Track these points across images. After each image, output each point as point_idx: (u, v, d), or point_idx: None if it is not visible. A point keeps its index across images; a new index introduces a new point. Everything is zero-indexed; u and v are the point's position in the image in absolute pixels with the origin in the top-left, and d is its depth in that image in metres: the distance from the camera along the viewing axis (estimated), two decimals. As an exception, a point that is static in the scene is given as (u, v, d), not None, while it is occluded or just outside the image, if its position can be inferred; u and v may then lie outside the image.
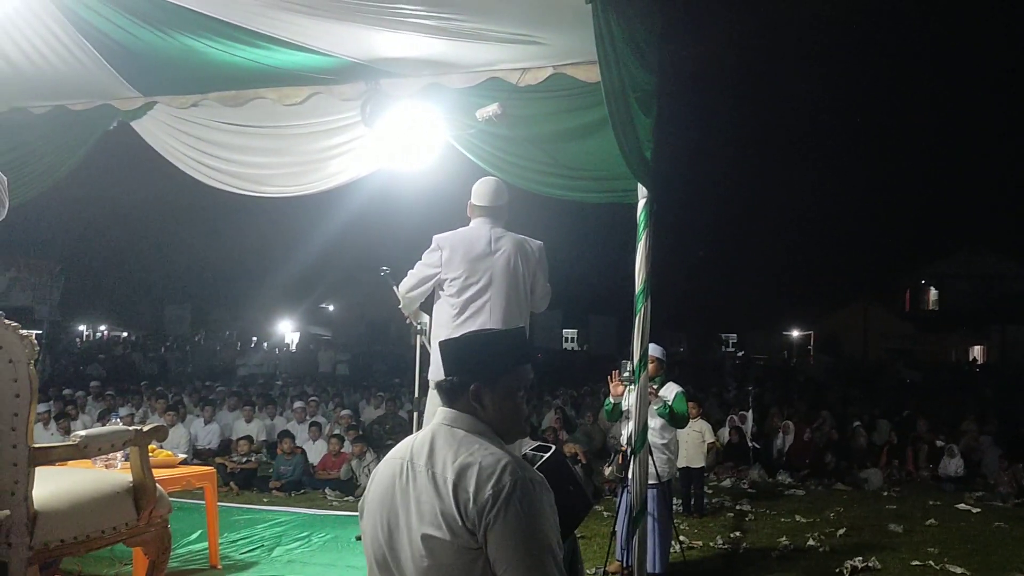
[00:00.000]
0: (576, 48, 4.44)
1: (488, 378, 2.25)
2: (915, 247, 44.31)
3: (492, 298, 4.37)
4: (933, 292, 43.66)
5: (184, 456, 6.71)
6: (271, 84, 5.28)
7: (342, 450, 10.15)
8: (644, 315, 4.40)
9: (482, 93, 4.91)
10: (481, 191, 4.55)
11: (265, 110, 5.44)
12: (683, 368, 22.81)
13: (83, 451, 3.16)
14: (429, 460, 2.16)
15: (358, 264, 33.71)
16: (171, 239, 41.86)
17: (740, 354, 39.29)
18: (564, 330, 49.29)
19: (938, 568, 6.35)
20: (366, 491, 2.36)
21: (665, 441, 6.01)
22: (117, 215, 35.57)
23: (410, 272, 4.55)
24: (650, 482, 4.84)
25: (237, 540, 6.18)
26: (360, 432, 11.11)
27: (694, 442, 8.87)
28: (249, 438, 10.73)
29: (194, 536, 5.92)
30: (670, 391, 5.92)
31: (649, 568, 5.13)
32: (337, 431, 11.01)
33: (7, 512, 2.89)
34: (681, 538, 6.45)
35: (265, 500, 8.87)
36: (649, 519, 5.00)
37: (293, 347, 38.47)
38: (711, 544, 7.17)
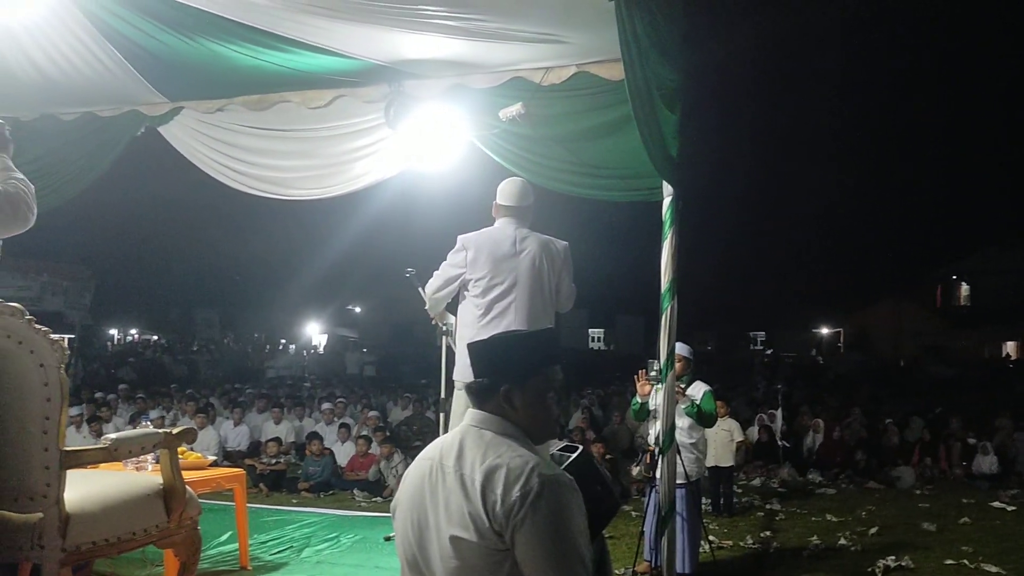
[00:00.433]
0: (599, 46, 4.42)
1: (518, 379, 2.24)
2: (946, 242, 43.84)
3: (517, 298, 4.37)
4: (965, 288, 43.03)
5: (214, 458, 6.76)
6: (295, 87, 5.31)
7: (370, 451, 10.19)
8: (671, 314, 4.37)
9: (505, 93, 4.90)
10: (507, 191, 4.54)
11: (290, 113, 5.47)
12: (711, 367, 22.65)
13: (113, 454, 3.19)
14: (458, 462, 2.16)
15: (383, 266, 33.84)
16: (199, 243, 42.27)
17: (769, 352, 38.98)
18: (590, 329, 49.30)
19: (972, 567, 6.25)
20: (398, 492, 2.36)
21: (693, 440, 5.97)
22: (146, 220, 35.97)
23: (435, 273, 4.55)
24: (678, 482, 4.81)
25: (267, 541, 6.21)
26: (387, 433, 11.15)
27: (723, 441, 8.81)
28: (278, 440, 10.80)
29: (224, 537, 5.96)
30: (698, 390, 5.88)
31: (679, 568, 5.10)
32: (365, 432, 11.06)
33: (40, 515, 2.92)
34: (711, 538, 6.40)
35: (294, 501, 8.92)
36: (678, 519, 4.97)
37: (321, 349, 38.71)
38: (741, 544, 7.11)
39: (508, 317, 4.36)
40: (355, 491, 9.54)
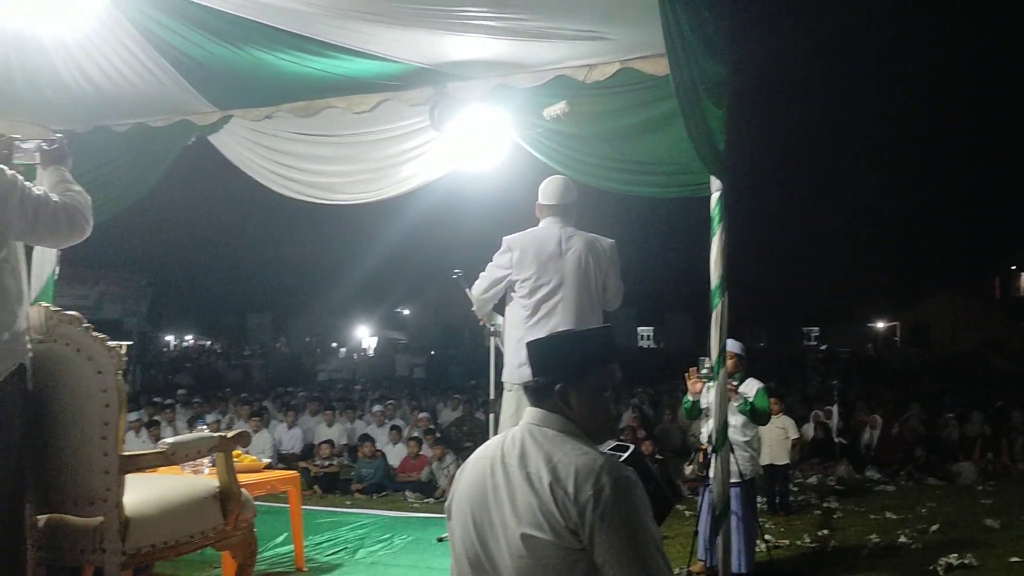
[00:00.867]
0: (643, 41, 4.37)
1: (574, 378, 2.24)
2: (1005, 233, 42.66)
3: (564, 298, 4.36)
4: (1024, 279, 41.92)
5: (268, 461, 6.86)
6: (341, 93, 5.35)
7: (420, 452, 10.26)
8: (721, 311, 4.31)
9: (549, 92, 4.88)
10: (549, 190, 4.53)
11: (336, 119, 5.51)
12: (763, 363, 22.34)
13: (170, 458, 3.25)
14: (522, 460, 2.16)
15: (431, 267, 34.06)
16: (251, 249, 42.99)
17: (823, 347, 38.35)
18: (640, 327, 49.01)
19: (1040, 565, 6.07)
20: (452, 492, 2.36)
21: (747, 438, 5.88)
22: (199, 228, 36.67)
23: (481, 275, 4.56)
24: (733, 480, 4.75)
25: (321, 543, 6.28)
26: (438, 435, 11.22)
27: (777, 439, 8.68)
28: (330, 442, 10.92)
29: (280, 539, 6.04)
30: (751, 387, 5.80)
31: (734, 568, 5.03)
32: (415, 434, 11.13)
33: (100, 518, 2.99)
34: (767, 537, 6.30)
35: (348, 503, 9.01)
36: (733, 518, 4.90)
37: (371, 351, 39.07)
38: (798, 542, 7.00)
39: (555, 317, 4.35)
40: (407, 492, 9.60)
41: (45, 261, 5.84)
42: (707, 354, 4.59)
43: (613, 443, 2.86)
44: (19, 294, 2.90)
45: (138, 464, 3.14)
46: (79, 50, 4.66)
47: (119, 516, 3.00)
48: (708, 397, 4.86)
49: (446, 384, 20.97)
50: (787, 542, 6.99)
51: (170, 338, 42.41)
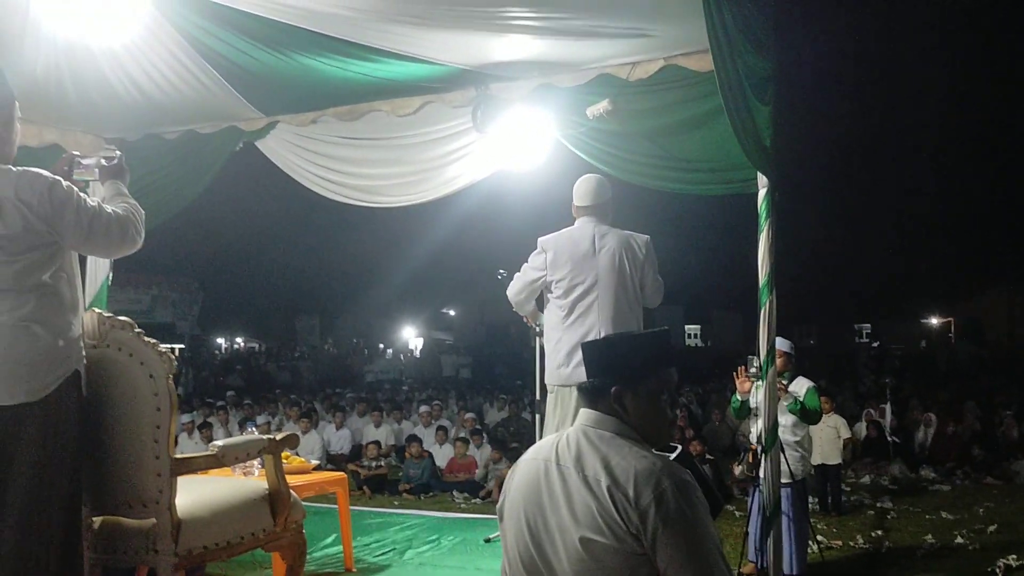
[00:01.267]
0: (687, 38, 4.33)
1: (630, 381, 2.22)
2: (1063, 224, 41.45)
3: (599, 297, 4.34)
4: (1085, 271, 40.72)
5: (317, 462, 6.92)
6: (385, 96, 5.38)
7: (467, 453, 10.29)
8: (769, 309, 4.24)
9: (592, 90, 4.86)
10: (582, 190, 4.52)
11: (380, 122, 5.55)
12: (814, 361, 22.01)
13: (220, 460, 3.30)
14: (578, 462, 2.14)
15: (476, 268, 34.17)
16: (298, 252, 43.49)
17: (875, 344, 37.68)
18: (686, 326, 48.64)
19: (1104, 567, 5.89)
20: (504, 493, 2.35)
21: (798, 438, 5.79)
22: (247, 232, 37.18)
23: (516, 276, 4.57)
24: (783, 481, 4.67)
25: (370, 543, 6.32)
26: (484, 435, 11.24)
27: (829, 438, 8.54)
28: (377, 443, 11.00)
29: (329, 540, 6.10)
30: (800, 386, 5.70)
31: (786, 570, 4.95)
32: (462, 434, 11.17)
33: (153, 520, 3.04)
34: (819, 538, 6.20)
35: (395, 503, 9.06)
36: (784, 519, 4.83)
37: (417, 352, 39.30)
38: (851, 543, 6.88)
39: (591, 316, 4.34)
40: (454, 492, 9.63)
41: (99, 268, 5.97)
42: (755, 353, 4.53)
43: (660, 443, 2.83)
44: (74, 302, 2.97)
45: (189, 467, 3.19)
46: (128, 58, 4.74)
47: (171, 518, 3.05)
48: (757, 396, 4.79)
49: (492, 384, 21.01)
50: (839, 543, 6.87)
51: (221, 340, 43.11)
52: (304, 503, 3.81)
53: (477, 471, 9.98)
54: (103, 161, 3.28)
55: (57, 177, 2.90)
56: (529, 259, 4.50)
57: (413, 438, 10.74)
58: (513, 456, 9.77)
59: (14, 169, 2.83)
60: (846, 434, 9.20)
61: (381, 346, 41.13)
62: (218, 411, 12.84)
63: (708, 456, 9.13)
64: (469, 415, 12.84)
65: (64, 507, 2.82)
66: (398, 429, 12.47)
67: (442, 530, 6.87)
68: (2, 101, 2.93)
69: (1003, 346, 32.62)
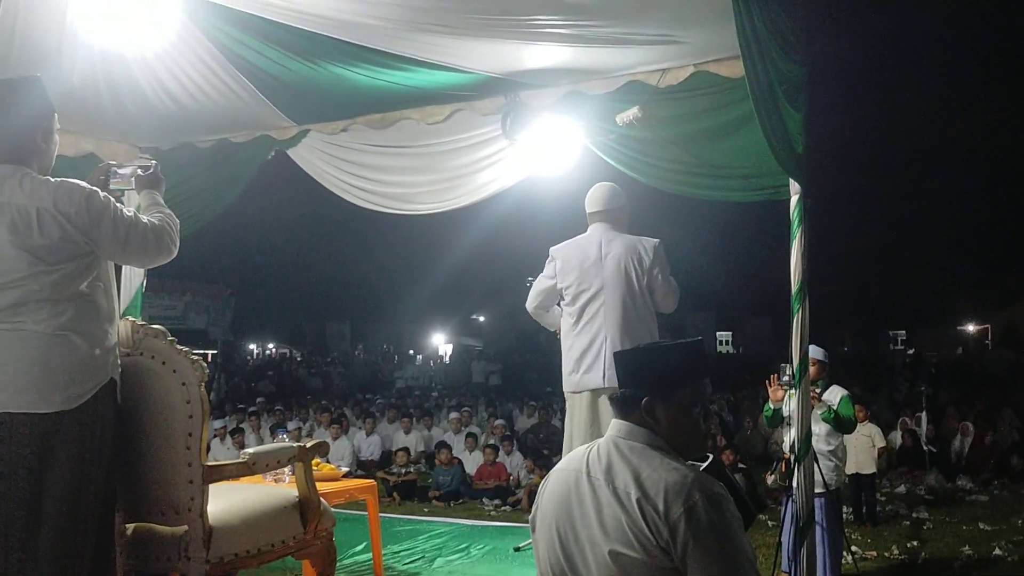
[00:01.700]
0: (718, 44, 4.30)
1: (662, 392, 2.18)
2: (1104, 229, 40.60)
3: (606, 303, 4.38)
4: None
5: (347, 469, 6.94)
6: (415, 104, 5.40)
7: (497, 460, 10.28)
8: (802, 317, 4.19)
9: (622, 97, 4.84)
10: (592, 197, 4.60)
11: (410, 130, 5.57)
12: (848, 368, 21.76)
13: (251, 468, 3.31)
14: (608, 474, 2.12)
15: (506, 274, 34.21)
16: (329, 259, 43.79)
17: (910, 351, 37.10)
18: (718, 332, 48.22)
19: None
20: (536, 504, 2.33)
21: (832, 447, 5.72)
22: (279, 239, 37.55)
23: (532, 284, 4.64)
24: (817, 490, 4.61)
25: (399, 551, 6.33)
26: (514, 442, 11.23)
27: (863, 447, 8.43)
28: (407, 449, 11.03)
29: (359, 547, 6.11)
30: (834, 395, 5.63)
31: (819, 581, 4.90)
32: (492, 441, 11.16)
33: (185, 527, 3.06)
34: (853, 548, 6.12)
35: (425, 510, 9.07)
36: (818, 529, 4.77)
37: (447, 358, 39.37)
38: (886, 554, 6.78)
39: (598, 322, 4.39)
40: (484, 499, 9.63)
41: (133, 276, 6.05)
42: (788, 360, 4.48)
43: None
44: (110, 311, 3.00)
45: (221, 474, 3.21)
46: (161, 68, 4.80)
47: (203, 525, 3.07)
48: (790, 405, 4.74)
49: (522, 391, 20.98)
50: (874, 554, 6.77)
51: (253, 346, 43.49)
52: (334, 510, 3.82)
53: (508, 478, 9.97)
54: (139, 171, 3.31)
55: (94, 188, 2.93)
56: (545, 267, 4.57)
57: (443, 445, 10.75)
58: (545, 463, 9.75)
59: (52, 180, 2.87)
60: (881, 443, 9.08)
61: (411, 352, 41.27)
62: (250, 417, 12.95)
63: (740, 465, 9.04)
64: (499, 422, 12.84)
65: (98, 514, 2.85)
66: (428, 436, 12.50)
67: (472, 538, 6.86)
68: (42, 112, 2.97)
69: (1042, 353, 31.95)
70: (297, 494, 3.55)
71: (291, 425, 12.70)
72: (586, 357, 4.42)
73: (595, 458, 2.18)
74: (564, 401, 4.71)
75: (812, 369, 4.78)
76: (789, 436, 4.93)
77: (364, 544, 6.04)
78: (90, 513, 2.81)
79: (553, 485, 2.26)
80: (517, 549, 6.22)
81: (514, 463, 10.30)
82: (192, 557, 3.04)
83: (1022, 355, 31.08)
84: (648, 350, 2.43)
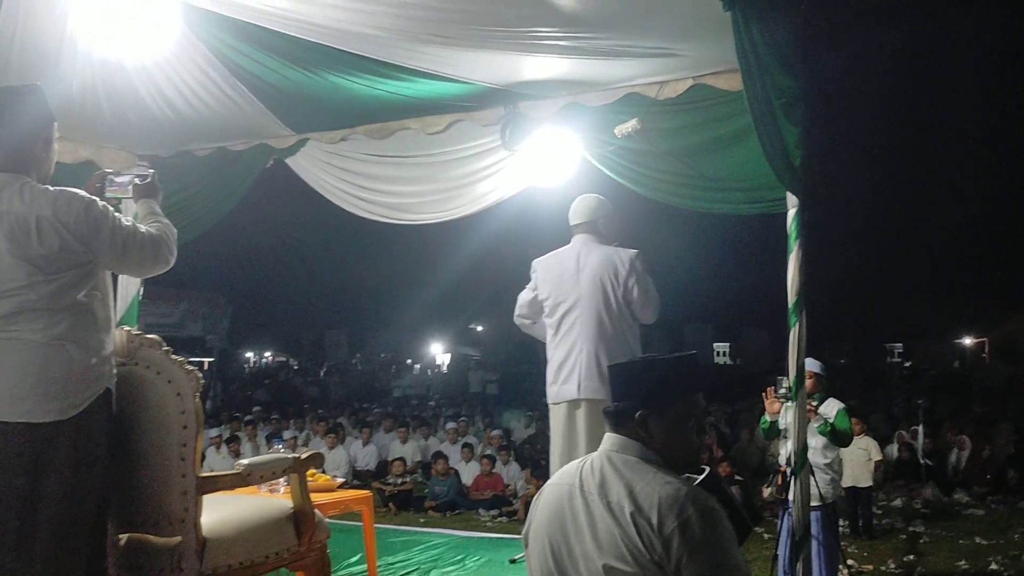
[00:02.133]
0: (716, 57, 4.31)
1: (655, 406, 2.18)
2: (1101, 243, 40.67)
3: (581, 314, 4.43)
4: (1124, 291, 39.85)
5: (342, 480, 6.92)
6: (414, 114, 5.40)
7: (493, 470, 10.25)
8: (799, 330, 4.18)
9: (620, 109, 4.84)
10: (575, 209, 4.68)
11: (409, 140, 5.57)
12: (845, 381, 21.75)
13: (246, 479, 3.30)
14: (602, 488, 2.11)
15: (504, 284, 34.12)
16: (327, 267, 43.82)
17: (907, 364, 37.12)
18: (715, 344, 48.20)
19: None
20: (529, 518, 2.33)
21: (828, 461, 5.71)
22: (276, 247, 37.57)
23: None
24: (813, 504, 4.60)
25: (395, 563, 6.31)
26: (512, 452, 11.20)
27: (859, 460, 8.42)
28: (403, 459, 11.00)
29: (354, 559, 6.08)
30: (831, 408, 5.63)
31: (816, 595, 4.88)
32: (489, 451, 11.13)
33: (178, 538, 3.04)
34: (850, 562, 6.11)
35: (421, 520, 9.05)
36: (814, 543, 4.75)
37: (444, 368, 39.32)
38: (882, 568, 6.77)
39: (574, 334, 4.42)
40: (480, 510, 9.60)
41: (130, 284, 6.04)
42: (785, 373, 4.48)
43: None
44: (107, 320, 3.00)
45: (215, 485, 3.19)
46: (160, 75, 4.80)
47: (197, 536, 3.05)
48: (786, 418, 4.73)
49: (519, 401, 20.95)
50: (871, 568, 6.76)
51: (249, 355, 43.41)
52: (329, 520, 3.81)
53: (505, 488, 9.94)
54: (136, 179, 3.31)
55: (93, 197, 2.93)
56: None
57: (439, 455, 10.73)
58: (542, 474, 9.73)
59: (51, 189, 2.87)
60: (877, 456, 9.07)
61: (409, 361, 41.21)
62: (246, 425, 12.92)
63: (737, 477, 9.03)
64: (496, 432, 12.82)
65: (91, 524, 2.83)
66: (424, 445, 12.47)
67: (467, 550, 6.84)
68: (42, 121, 2.97)
69: (1039, 367, 31.96)
70: (292, 505, 3.53)
71: (287, 434, 12.69)
72: (563, 369, 4.45)
73: (588, 472, 2.17)
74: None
75: (809, 382, 4.78)
76: (785, 449, 4.92)
77: (359, 555, 6.01)
78: (84, 523, 2.80)
79: (546, 499, 2.26)
80: (513, 561, 6.19)
81: (511, 473, 10.28)
82: (185, 568, 3.02)
83: (1019, 368, 31.08)
84: (641, 364, 2.43)
